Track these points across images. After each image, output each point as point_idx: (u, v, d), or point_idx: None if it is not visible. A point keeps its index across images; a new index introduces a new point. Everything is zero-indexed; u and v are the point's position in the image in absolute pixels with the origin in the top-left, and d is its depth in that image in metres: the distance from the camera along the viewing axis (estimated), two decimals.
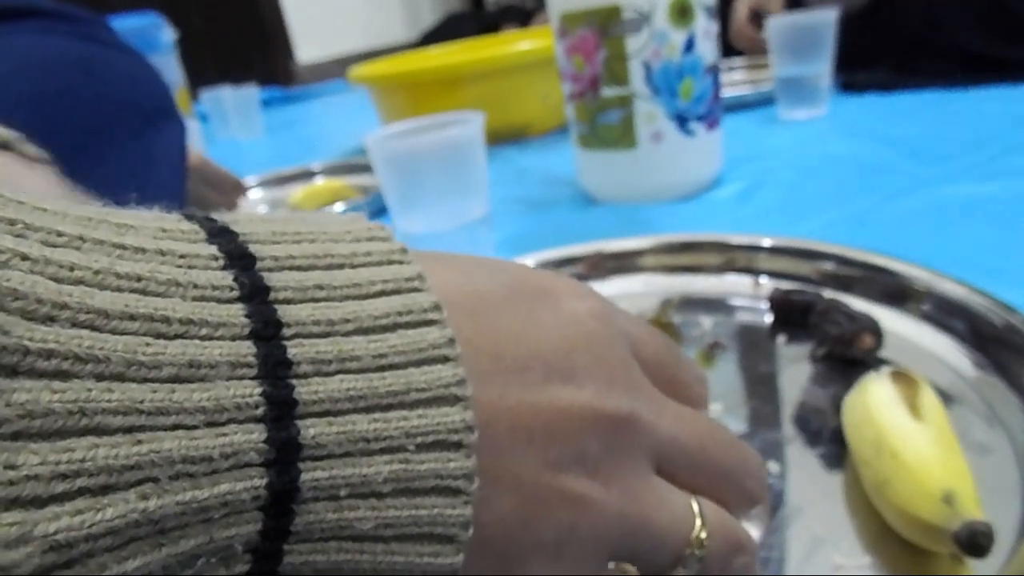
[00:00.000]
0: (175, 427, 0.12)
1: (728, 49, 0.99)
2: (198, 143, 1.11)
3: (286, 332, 0.14)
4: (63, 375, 0.11)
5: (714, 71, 0.62)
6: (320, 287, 0.15)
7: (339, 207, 0.68)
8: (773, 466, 0.29)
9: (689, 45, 0.58)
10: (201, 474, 0.12)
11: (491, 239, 0.55)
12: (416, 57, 1.19)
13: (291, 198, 0.81)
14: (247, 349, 0.13)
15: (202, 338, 0.13)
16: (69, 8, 0.46)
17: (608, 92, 0.60)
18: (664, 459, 0.19)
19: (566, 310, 0.18)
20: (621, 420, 0.17)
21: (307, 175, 0.93)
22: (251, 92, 1.43)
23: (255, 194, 0.91)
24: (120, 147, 0.44)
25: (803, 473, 0.29)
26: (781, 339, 0.38)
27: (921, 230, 0.49)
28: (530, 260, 0.48)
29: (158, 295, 0.13)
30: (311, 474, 0.13)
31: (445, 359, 0.15)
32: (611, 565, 0.18)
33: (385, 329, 0.15)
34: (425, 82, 0.95)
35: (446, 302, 0.16)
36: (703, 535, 0.18)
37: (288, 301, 0.14)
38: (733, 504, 0.20)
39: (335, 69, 2.42)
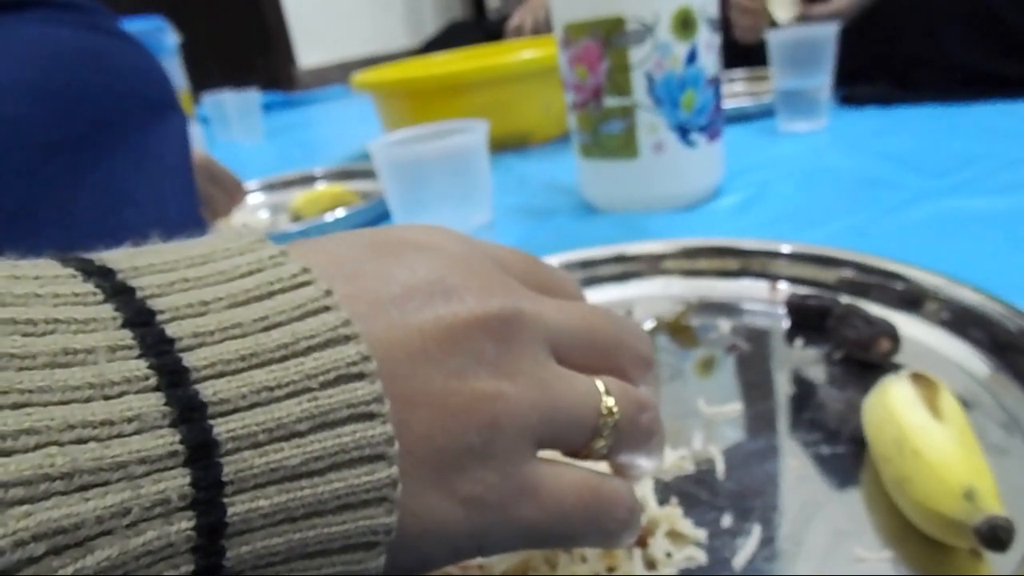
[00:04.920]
0: (63, 403, 0.12)
1: (729, 60, 0.99)
2: (200, 146, 1.11)
3: (160, 318, 0.14)
4: None
5: (716, 83, 0.62)
6: (186, 280, 0.15)
7: (340, 212, 0.69)
8: (792, 462, 0.30)
9: (691, 57, 0.59)
10: (106, 436, 0.13)
11: None
12: (419, 64, 1.19)
13: (293, 203, 0.81)
14: (123, 335, 0.14)
15: (73, 332, 0.13)
16: None
17: (610, 102, 0.61)
18: (558, 345, 0.20)
19: (431, 248, 0.19)
20: (507, 317, 0.18)
21: (309, 180, 0.93)
22: (253, 96, 1.44)
23: (257, 198, 0.91)
24: (127, 137, 0.44)
25: (823, 471, 0.29)
26: (798, 343, 0.39)
27: (920, 243, 0.49)
28: (554, 261, 0.49)
29: (15, 305, 0.13)
30: (224, 426, 0.14)
31: (327, 308, 0.16)
32: (545, 453, 0.19)
33: (260, 298, 0.16)
34: (428, 89, 0.95)
35: (313, 272, 0.17)
36: (610, 403, 0.20)
37: (154, 296, 0.15)
38: (630, 370, 0.22)
39: (336, 74, 2.43)
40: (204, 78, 1.75)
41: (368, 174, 0.86)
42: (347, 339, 0.15)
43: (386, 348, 0.17)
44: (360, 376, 0.15)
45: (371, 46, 2.84)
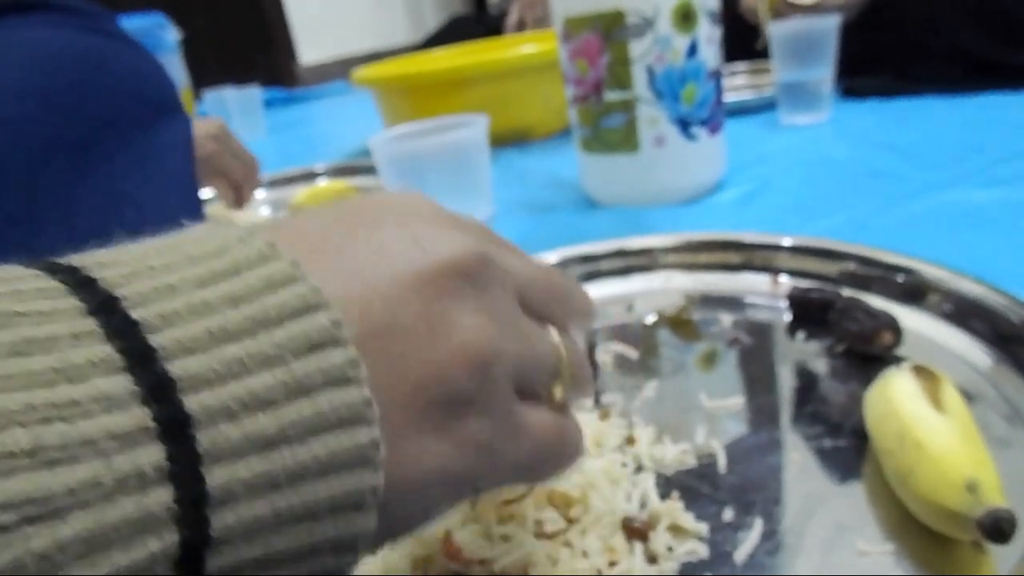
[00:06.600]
0: (26, 388, 0.12)
1: (730, 54, 0.98)
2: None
3: (124, 303, 0.14)
4: None
5: (716, 76, 0.62)
6: (151, 267, 0.15)
7: None
8: (794, 455, 0.30)
9: (692, 50, 0.59)
10: (71, 416, 0.13)
11: None
12: (420, 59, 1.19)
13: (294, 199, 0.81)
14: (87, 323, 0.14)
15: (36, 324, 0.13)
16: (77, 1, 0.46)
17: (611, 96, 0.61)
18: (522, 294, 0.21)
19: (398, 208, 0.20)
20: (483, 260, 0.19)
21: (310, 176, 0.93)
22: (254, 93, 1.43)
23: (259, 195, 0.91)
24: (128, 140, 0.44)
25: (825, 464, 0.29)
26: (800, 336, 0.39)
27: (922, 235, 0.49)
28: (555, 256, 0.49)
29: None
30: (196, 400, 0.14)
31: (295, 279, 0.16)
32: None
33: (227, 276, 0.16)
34: (428, 84, 0.95)
35: (280, 246, 0.17)
36: (563, 352, 0.22)
37: (119, 284, 0.15)
38: (575, 319, 0.24)
39: (338, 70, 2.42)
40: (205, 75, 1.75)
41: (369, 170, 0.85)
42: (317, 307, 0.16)
43: (366, 306, 0.17)
44: (333, 342, 0.15)
45: (372, 42, 2.83)
